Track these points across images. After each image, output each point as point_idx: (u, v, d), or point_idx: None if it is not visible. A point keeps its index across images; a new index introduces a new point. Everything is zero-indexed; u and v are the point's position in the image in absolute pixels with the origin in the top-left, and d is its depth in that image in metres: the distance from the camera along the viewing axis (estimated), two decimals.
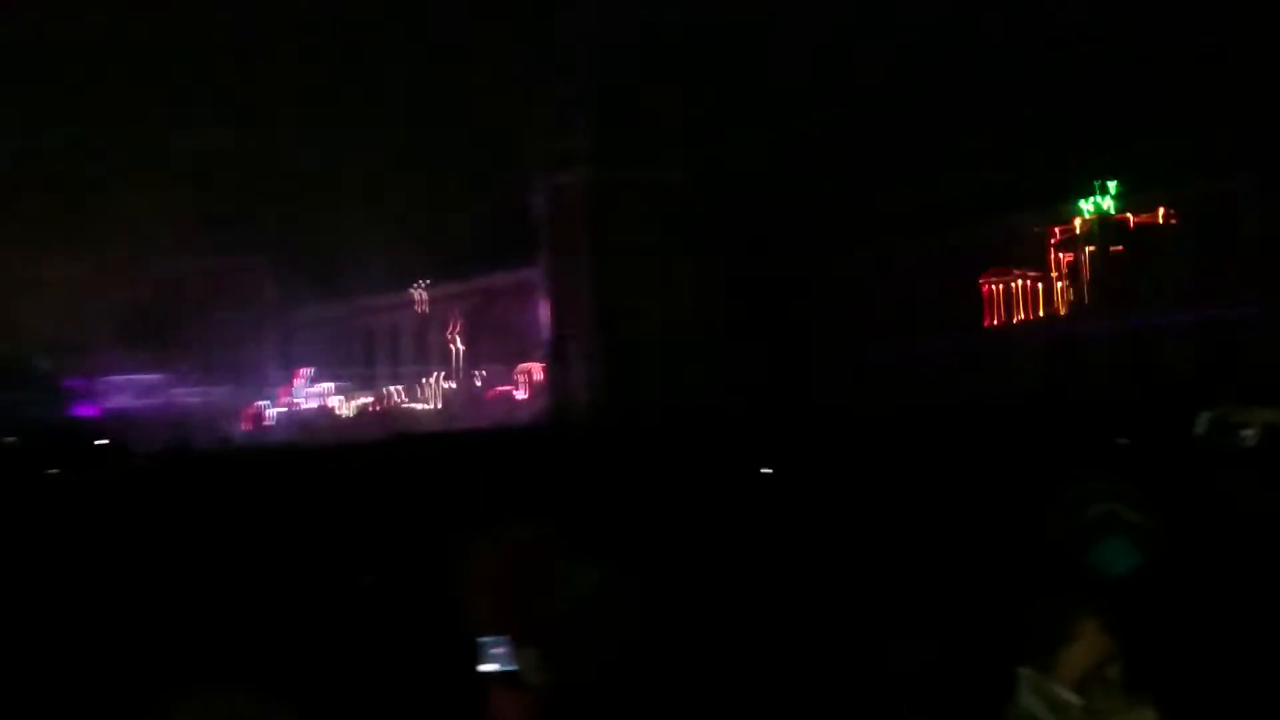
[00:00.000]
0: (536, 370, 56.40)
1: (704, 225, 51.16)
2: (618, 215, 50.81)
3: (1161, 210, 43.78)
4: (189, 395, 64.72)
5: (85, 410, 64.88)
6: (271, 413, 66.54)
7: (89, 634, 5.71)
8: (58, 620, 5.98)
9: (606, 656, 2.11)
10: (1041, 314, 46.60)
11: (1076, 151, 43.63)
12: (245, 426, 64.19)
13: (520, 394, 57.48)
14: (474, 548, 2.31)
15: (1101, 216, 44.90)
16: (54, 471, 24.28)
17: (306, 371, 67.19)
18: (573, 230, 51.99)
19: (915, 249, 47.29)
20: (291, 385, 67.46)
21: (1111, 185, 44.68)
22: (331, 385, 66.62)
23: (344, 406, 65.38)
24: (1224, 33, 40.69)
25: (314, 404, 66.57)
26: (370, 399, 64.36)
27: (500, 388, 58.41)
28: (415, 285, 61.88)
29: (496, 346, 58.88)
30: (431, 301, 62.13)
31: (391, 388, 63.69)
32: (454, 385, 61.07)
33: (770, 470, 11.98)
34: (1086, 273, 45.75)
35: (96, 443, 46.09)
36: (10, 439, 49.55)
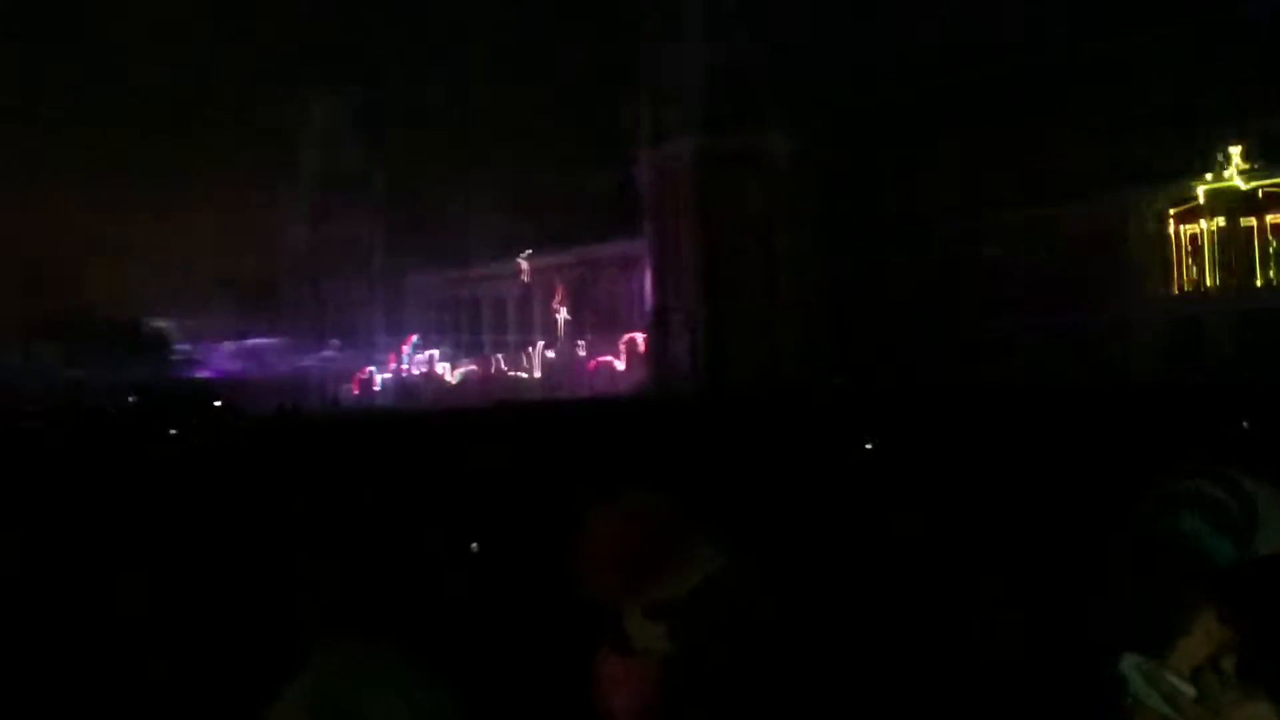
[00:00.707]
0: (638, 341, 56.47)
1: (811, 197, 50.54)
2: (722, 187, 50.46)
3: None
4: (300, 360, 66.20)
5: (202, 372, 66.87)
6: (379, 378, 67.76)
7: (209, 592, 5.81)
8: (179, 577, 6.11)
9: (732, 631, 2.10)
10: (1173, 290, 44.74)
11: (1198, 126, 42.05)
12: (354, 391, 65.53)
13: (621, 364, 57.63)
14: (598, 516, 2.27)
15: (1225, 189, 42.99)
16: (172, 431, 24.99)
17: (414, 338, 68.26)
18: (677, 202, 51.80)
19: (1018, 223, 46.13)
20: (400, 351, 68.61)
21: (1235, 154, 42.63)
22: (437, 352, 67.61)
23: (449, 373, 66.32)
24: None
25: (420, 370, 67.63)
26: (474, 366, 65.16)
27: (602, 358, 58.64)
28: (521, 255, 62.35)
29: (599, 317, 59.11)
30: (536, 272, 62.57)
31: (495, 356, 64.38)
32: (556, 354, 61.48)
33: (871, 445, 11.80)
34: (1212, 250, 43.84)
35: (213, 404, 47.54)
36: (131, 399, 51.33)
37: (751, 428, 15.62)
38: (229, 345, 70.77)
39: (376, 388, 67.02)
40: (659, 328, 53.30)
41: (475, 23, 59.74)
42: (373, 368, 68.19)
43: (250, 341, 70.13)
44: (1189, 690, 1.72)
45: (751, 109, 50.34)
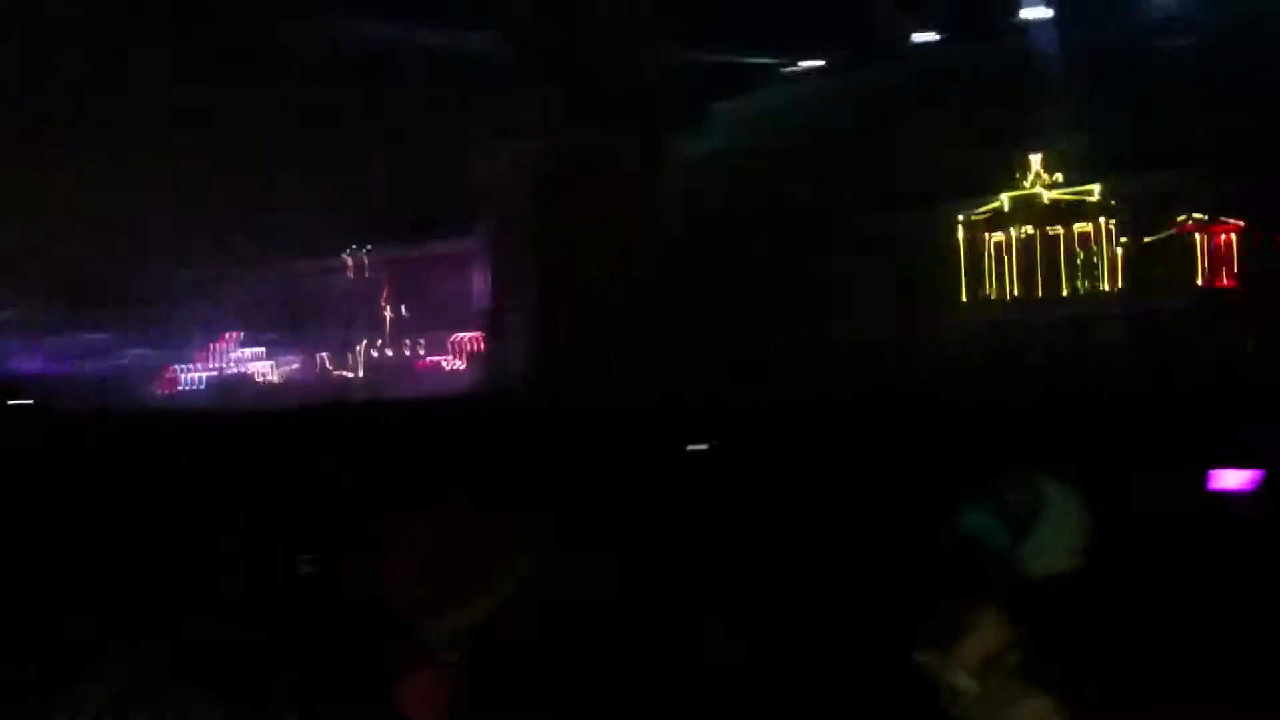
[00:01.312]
0: (473, 341, 55.53)
1: (661, 199, 50.41)
2: (566, 185, 49.86)
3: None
4: (109, 358, 63.14)
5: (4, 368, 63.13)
6: (194, 377, 65.11)
7: None
8: None
9: (537, 635, 2.11)
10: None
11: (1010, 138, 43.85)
12: (164, 390, 62.77)
13: (454, 365, 56.62)
14: (404, 525, 2.32)
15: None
16: None
17: (233, 335, 65.71)
18: (519, 198, 50.93)
19: (849, 230, 47.12)
20: (216, 349, 65.97)
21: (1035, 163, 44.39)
22: (259, 350, 65.23)
23: (271, 372, 64.08)
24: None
25: (239, 369, 65.21)
26: (297, 365, 63.11)
27: (433, 357, 57.50)
28: (349, 250, 60.61)
29: (431, 315, 57.93)
30: (365, 267, 60.94)
31: (320, 354, 62.49)
32: (384, 354, 60.08)
33: (705, 447, 11.85)
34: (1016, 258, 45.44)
35: (10, 403, 44.80)
36: None
37: (586, 431, 15.27)
38: (35, 342, 66.96)
39: (190, 387, 64.31)
40: (495, 327, 52.42)
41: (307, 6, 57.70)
42: (186, 365, 65.40)
43: (57, 338, 66.49)
44: (972, 685, 1.79)
45: (602, 108, 49.88)
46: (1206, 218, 40.69)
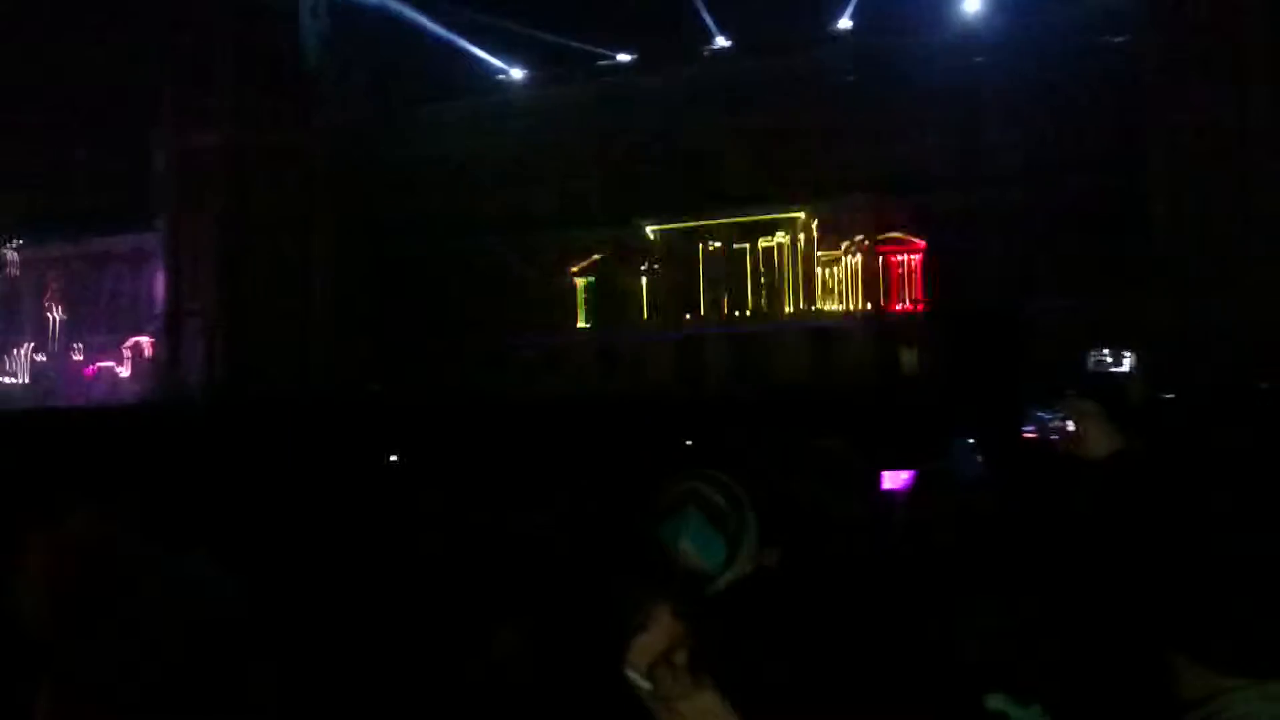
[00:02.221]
0: (147, 345, 52.16)
1: (351, 200, 48.99)
2: (250, 182, 47.63)
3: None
4: None
5: None
6: None
7: None
8: None
9: (161, 656, 1.98)
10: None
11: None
12: None
13: (126, 371, 53.02)
14: (29, 538, 2.14)
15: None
16: None
17: None
18: (199, 195, 48.19)
19: (533, 244, 47.81)
20: None
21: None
22: None
23: None
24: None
25: None
26: None
27: (103, 363, 53.63)
28: (9, 245, 55.71)
29: (102, 318, 54.02)
30: (27, 264, 56.17)
31: None
32: (49, 358, 55.56)
33: (396, 458, 11.63)
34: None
35: None
36: None
37: (264, 438, 14.55)
38: None
39: None
40: (172, 331, 49.38)
41: None
42: None
43: None
44: (644, 685, 1.81)
45: (290, 104, 47.97)
46: (899, 237, 43.36)
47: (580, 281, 48.61)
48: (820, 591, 2.37)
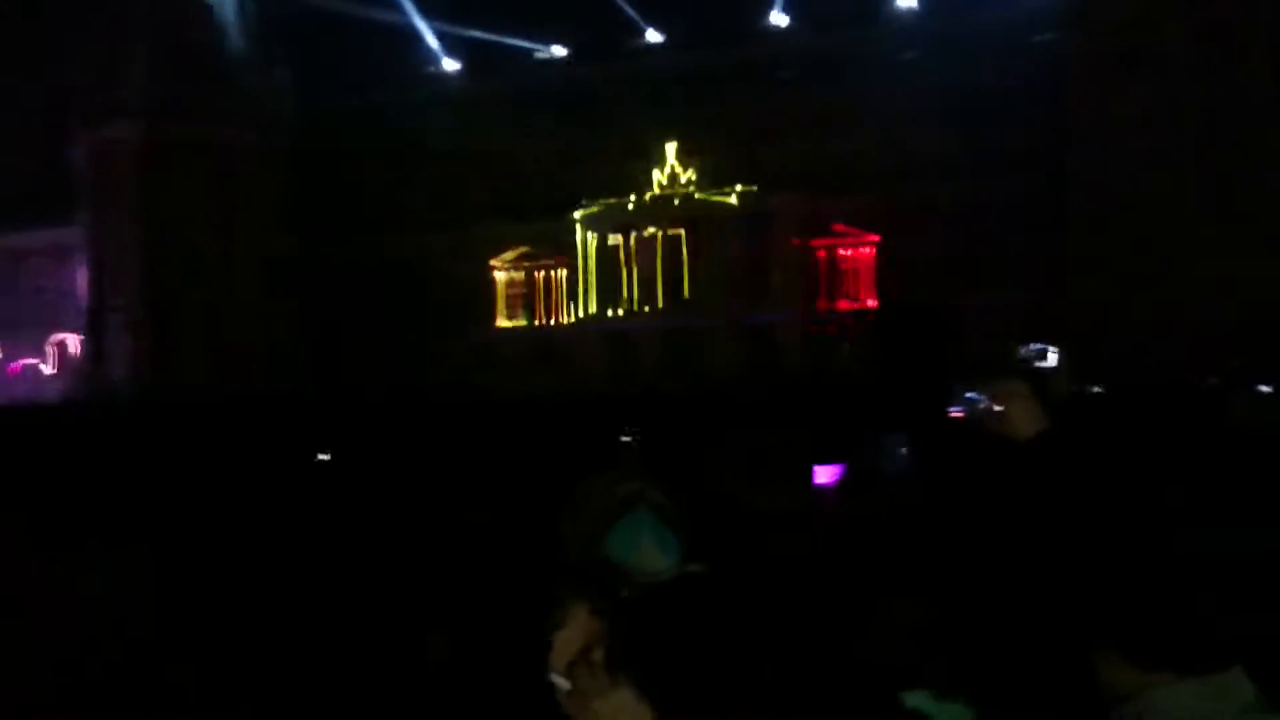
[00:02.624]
0: (70, 342, 51.07)
1: (280, 194, 48.26)
2: (173, 176, 46.70)
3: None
4: None
5: None
6: None
7: None
8: None
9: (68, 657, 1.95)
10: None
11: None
12: None
13: (49, 368, 51.89)
14: None
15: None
16: None
17: None
18: (120, 189, 47.19)
19: (466, 238, 47.50)
20: None
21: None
22: None
23: None
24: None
25: None
26: None
27: (26, 360, 52.45)
28: None
29: (22, 314, 52.78)
30: None
31: None
32: None
33: (325, 457, 11.50)
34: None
35: None
36: None
37: (188, 436, 14.29)
38: None
39: None
40: (95, 328, 48.37)
41: None
42: None
43: None
44: (563, 683, 1.80)
45: (211, 96, 47.08)
46: (843, 233, 43.62)
47: (512, 275, 48.46)
48: (746, 588, 2.36)
